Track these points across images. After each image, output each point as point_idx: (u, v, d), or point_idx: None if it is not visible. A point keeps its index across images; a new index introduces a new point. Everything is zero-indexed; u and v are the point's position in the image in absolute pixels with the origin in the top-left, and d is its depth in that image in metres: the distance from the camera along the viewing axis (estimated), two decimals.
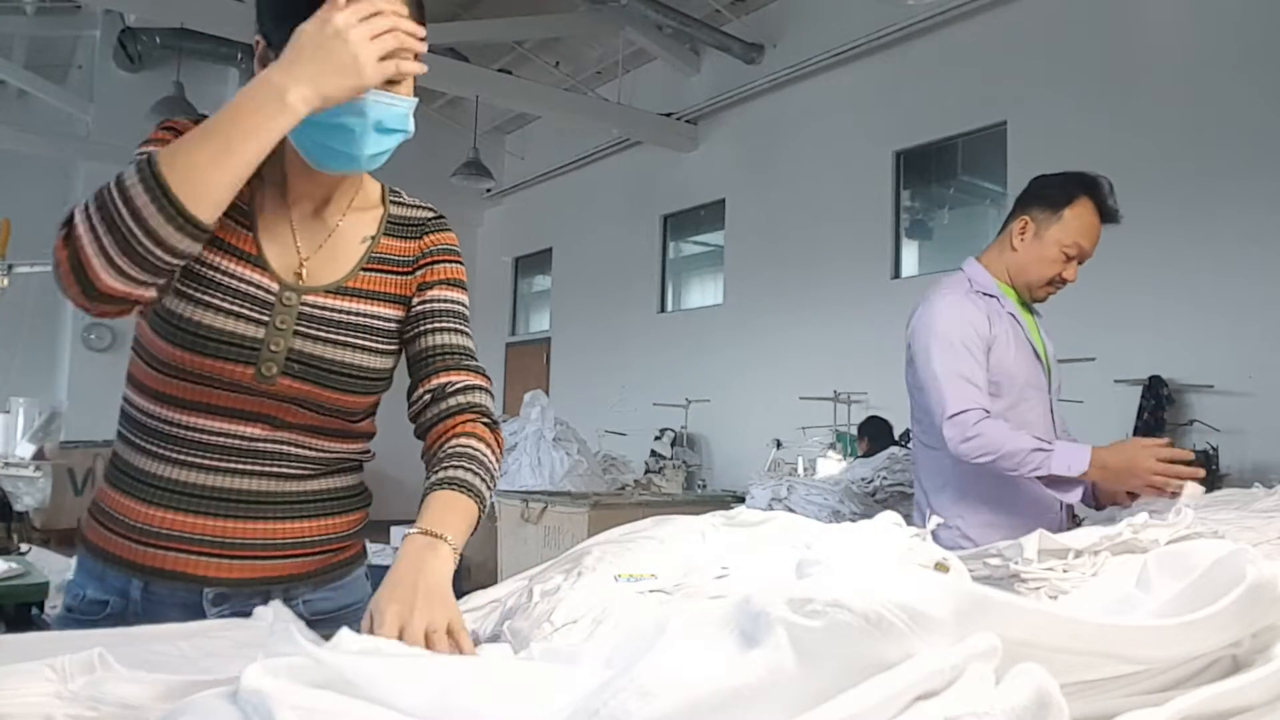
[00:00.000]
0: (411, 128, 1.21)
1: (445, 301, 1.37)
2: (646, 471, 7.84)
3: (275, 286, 1.26)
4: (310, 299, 1.27)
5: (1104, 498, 2.15)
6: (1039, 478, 2.11)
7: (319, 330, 1.27)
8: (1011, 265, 2.33)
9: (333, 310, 1.29)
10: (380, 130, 1.17)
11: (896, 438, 5.78)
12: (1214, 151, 5.70)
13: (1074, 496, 2.12)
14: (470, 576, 5.90)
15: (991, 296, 2.29)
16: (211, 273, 1.22)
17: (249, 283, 1.24)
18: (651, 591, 1.09)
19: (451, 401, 1.30)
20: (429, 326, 1.34)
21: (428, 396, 1.31)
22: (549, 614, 1.04)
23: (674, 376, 9.11)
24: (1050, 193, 2.28)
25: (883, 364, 5.46)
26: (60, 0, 9.72)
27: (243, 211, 1.26)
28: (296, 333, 1.26)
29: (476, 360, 1.36)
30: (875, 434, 5.84)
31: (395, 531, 7.18)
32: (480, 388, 1.32)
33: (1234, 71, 5.67)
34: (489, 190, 11.12)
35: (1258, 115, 5.55)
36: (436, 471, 1.21)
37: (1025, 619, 0.44)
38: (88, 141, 10.27)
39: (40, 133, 10.20)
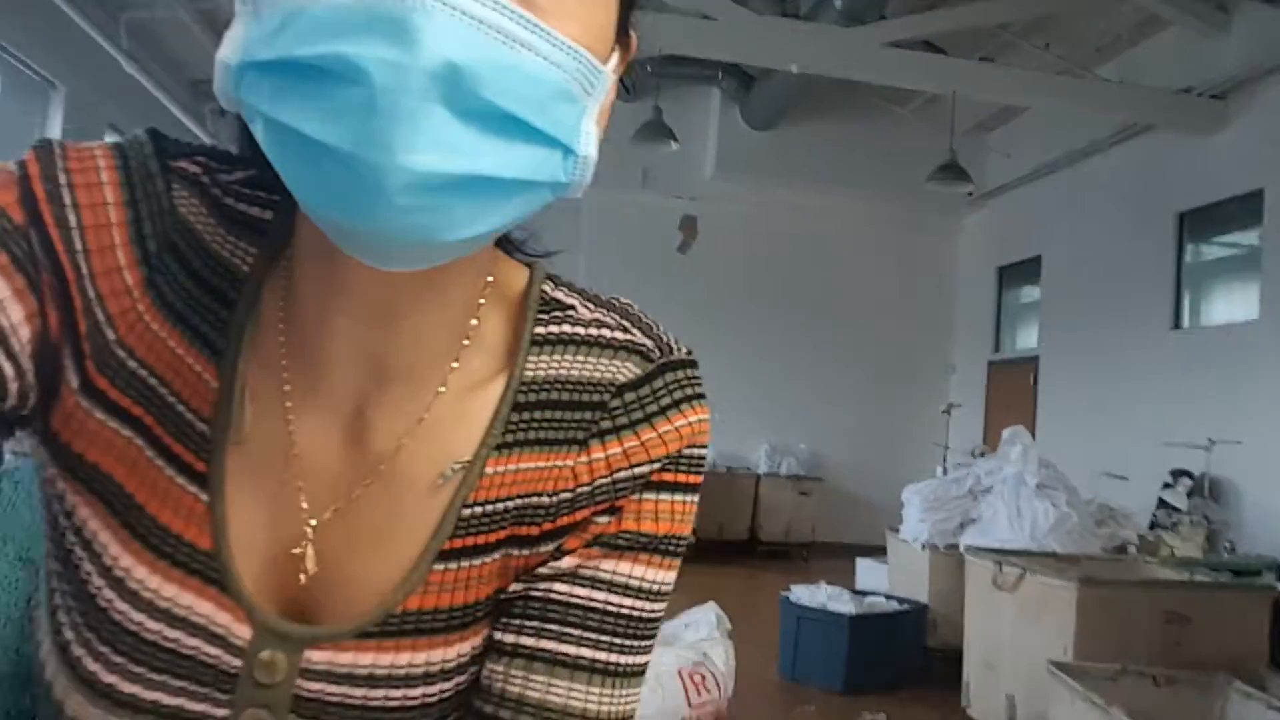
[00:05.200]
0: (587, 150, 0.51)
1: (594, 603, 0.62)
2: (1153, 526, 6.53)
3: (246, 635, 0.58)
4: (319, 660, 0.59)
5: None
6: None
7: None
8: None
9: (363, 680, 0.60)
10: (466, 104, 0.45)
11: None
12: None
13: None
14: (936, 631, 5.19)
15: None
16: (116, 604, 0.58)
17: (191, 627, 0.58)
18: None
19: None
20: (524, 660, 0.61)
21: None
22: None
23: (1192, 409, 7.53)
24: None
25: None
26: None
27: (194, 438, 0.58)
28: None
29: None
30: None
31: (861, 565, 6.62)
32: None
33: None
34: (969, 194, 10.18)
35: None
36: None
37: None
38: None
39: None
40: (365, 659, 0.59)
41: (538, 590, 0.61)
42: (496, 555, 0.61)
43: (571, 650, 0.60)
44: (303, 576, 0.58)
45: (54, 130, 6.79)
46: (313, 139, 0.45)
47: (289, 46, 0.45)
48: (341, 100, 0.44)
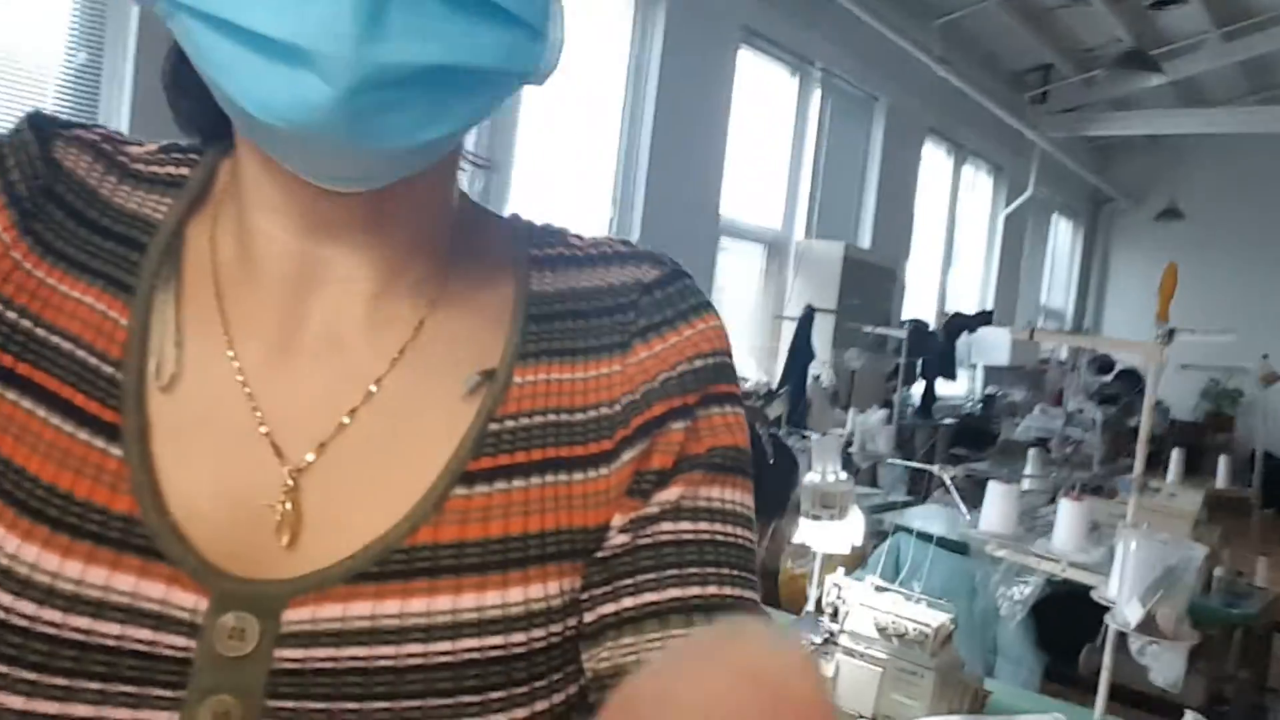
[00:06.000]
0: (557, 32, 0.46)
1: (704, 535, 0.52)
2: None
3: (195, 604, 0.46)
4: (300, 618, 0.47)
5: None
6: None
7: (329, 702, 0.46)
8: None
9: (363, 636, 0.47)
10: None
11: None
12: None
13: None
14: None
15: None
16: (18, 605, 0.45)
17: (110, 611, 0.45)
18: None
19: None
20: (654, 619, 0.50)
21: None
22: None
23: None
24: None
25: None
26: None
27: (100, 385, 0.49)
28: (270, 713, 0.46)
29: None
30: None
31: None
32: None
33: None
34: None
35: None
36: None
37: None
38: None
39: None
40: (361, 608, 0.47)
41: (645, 537, 0.52)
42: (542, 479, 0.52)
43: (697, 591, 0.51)
44: (285, 537, 0.48)
45: (877, 141, 7.28)
46: (250, 31, 0.40)
47: None
48: None
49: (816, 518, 2.40)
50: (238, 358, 0.51)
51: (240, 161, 0.52)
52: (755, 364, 6.25)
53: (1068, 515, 2.67)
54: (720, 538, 0.53)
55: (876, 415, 4.60)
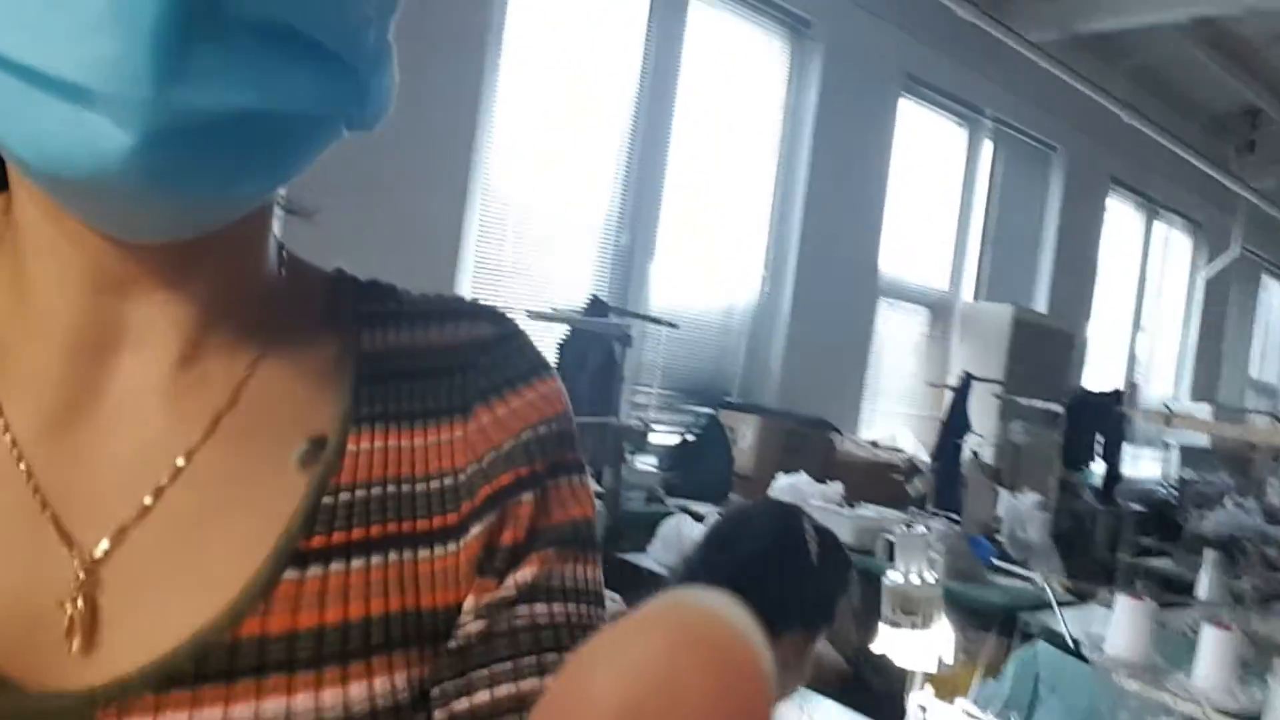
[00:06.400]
0: (388, 75, 0.43)
1: (560, 619, 0.48)
2: None
3: None
4: None
5: None
6: None
7: None
8: None
9: None
10: (244, 14, 0.34)
11: None
12: None
13: None
14: None
15: None
16: None
17: None
18: None
19: None
20: (514, 715, 0.45)
21: None
22: None
23: None
24: None
25: None
26: None
27: None
28: None
29: None
30: None
31: None
32: None
33: None
34: None
35: None
36: None
37: None
38: None
39: None
40: (175, 718, 0.41)
41: (501, 623, 0.48)
42: (385, 557, 0.47)
43: None
44: (77, 641, 0.42)
45: (1055, 196, 6.75)
46: (24, 67, 0.34)
47: None
48: (68, 9, 0.33)
49: (896, 624, 2.06)
50: (9, 429, 0.45)
51: (17, 203, 0.46)
52: (912, 436, 5.80)
53: (1212, 646, 2.17)
54: (575, 619, 0.50)
55: (1029, 499, 4.09)
